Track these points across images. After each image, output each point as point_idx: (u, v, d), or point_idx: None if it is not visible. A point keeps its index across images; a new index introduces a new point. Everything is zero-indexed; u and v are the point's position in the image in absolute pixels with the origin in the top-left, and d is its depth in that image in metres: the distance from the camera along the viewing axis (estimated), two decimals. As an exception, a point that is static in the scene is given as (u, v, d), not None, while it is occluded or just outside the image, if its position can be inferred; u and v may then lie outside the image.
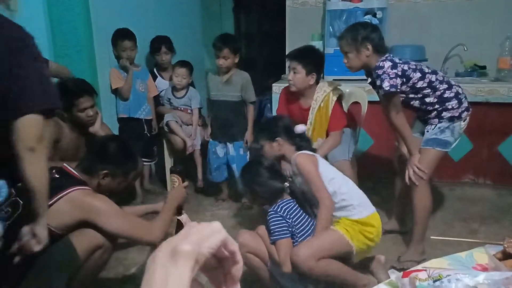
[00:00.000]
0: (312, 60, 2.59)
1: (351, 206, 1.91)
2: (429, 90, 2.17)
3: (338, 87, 2.69)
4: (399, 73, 2.12)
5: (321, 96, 2.62)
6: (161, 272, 0.47)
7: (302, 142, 2.11)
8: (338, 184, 1.95)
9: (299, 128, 2.13)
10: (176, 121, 3.28)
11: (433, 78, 2.18)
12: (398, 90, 2.12)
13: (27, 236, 1.39)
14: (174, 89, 3.38)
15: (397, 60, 2.16)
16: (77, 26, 2.83)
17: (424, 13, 3.66)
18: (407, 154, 2.31)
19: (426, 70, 2.20)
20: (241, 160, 3.06)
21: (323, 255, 1.78)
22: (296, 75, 2.57)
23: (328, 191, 1.91)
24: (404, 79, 2.14)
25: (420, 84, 2.16)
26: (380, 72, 2.12)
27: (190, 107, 3.39)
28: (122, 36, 3.13)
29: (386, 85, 2.09)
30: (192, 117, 3.37)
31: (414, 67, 2.17)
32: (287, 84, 2.69)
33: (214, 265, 0.56)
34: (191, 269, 0.48)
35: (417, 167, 2.21)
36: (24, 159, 1.29)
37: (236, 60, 3.17)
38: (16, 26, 1.28)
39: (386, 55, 2.18)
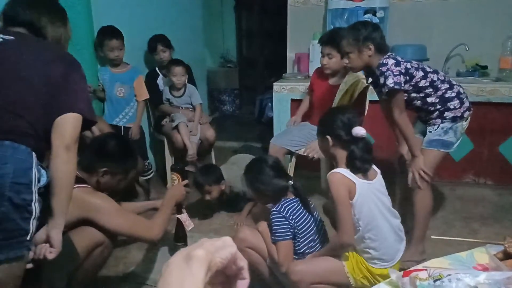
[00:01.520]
0: None
1: (370, 255, 1.74)
2: (431, 90, 2.16)
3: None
4: (403, 71, 2.11)
5: (351, 80, 2.68)
6: (176, 275, 0.48)
7: (357, 150, 1.70)
8: (366, 225, 1.69)
9: (358, 130, 1.70)
10: (187, 125, 3.25)
11: (435, 77, 2.17)
12: (402, 88, 2.11)
13: (41, 240, 1.39)
14: (171, 88, 3.37)
15: (399, 59, 2.15)
16: (78, 25, 2.82)
17: (426, 12, 3.65)
18: (407, 155, 2.30)
19: (428, 69, 2.19)
20: None
21: (317, 281, 1.76)
22: (331, 59, 2.68)
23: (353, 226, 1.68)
24: (408, 77, 2.13)
25: (422, 83, 2.15)
26: (384, 69, 2.10)
27: (191, 104, 3.39)
28: (109, 34, 2.93)
29: (390, 82, 2.07)
30: (195, 113, 3.37)
31: (416, 65, 2.16)
32: (320, 66, 2.83)
33: (222, 281, 0.57)
34: (205, 273, 0.49)
35: (423, 171, 2.18)
36: (59, 156, 1.34)
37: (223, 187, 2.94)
38: (72, 56, 1.48)
39: (389, 54, 2.17)
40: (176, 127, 3.21)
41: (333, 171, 1.71)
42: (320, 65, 2.84)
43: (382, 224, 1.74)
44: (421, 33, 3.63)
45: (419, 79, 2.14)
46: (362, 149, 1.71)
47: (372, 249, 1.73)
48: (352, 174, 1.69)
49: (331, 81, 2.80)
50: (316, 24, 3.87)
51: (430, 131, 2.23)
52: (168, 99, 3.38)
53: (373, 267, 1.75)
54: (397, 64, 2.11)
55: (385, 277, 1.67)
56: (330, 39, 2.66)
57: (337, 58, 2.63)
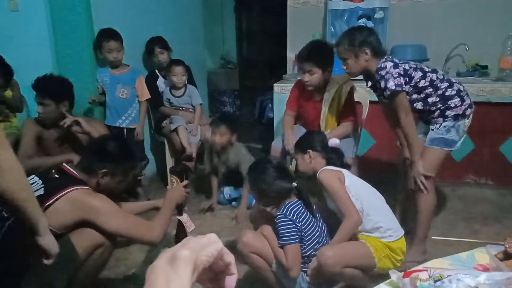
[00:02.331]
0: (325, 56, 2.58)
1: (382, 229, 1.86)
2: (431, 89, 2.16)
3: (350, 79, 2.70)
4: (402, 72, 2.12)
5: (334, 88, 2.65)
6: (162, 279, 0.47)
7: (334, 156, 2.07)
8: (366, 202, 1.88)
9: (332, 141, 2.09)
10: (186, 128, 3.25)
11: (434, 76, 2.17)
12: (404, 89, 2.11)
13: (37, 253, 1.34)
14: (172, 88, 3.37)
15: (397, 61, 2.17)
16: (79, 26, 2.83)
17: (426, 12, 3.65)
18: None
19: (426, 69, 2.19)
20: None
21: (348, 265, 1.77)
22: (313, 76, 2.58)
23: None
24: (407, 78, 2.13)
25: (422, 83, 2.16)
26: (383, 72, 2.11)
27: (191, 105, 3.39)
28: (107, 36, 2.93)
29: (391, 84, 2.08)
30: (195, 114, 3.37)
31: (414, 66, 2.17)
32: (299, 78, 2.72)
33: (210, 277, 0.56)
34: (191, 273, 0.48)
35: (424, 176, 2.18)
36: None
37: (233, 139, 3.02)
38: None
39: (386, 57, 2.18)
40: (175, 130, 3.21)
41: (319, 171, 1.97)
42: (300, 78, 2.73)
43: (377, 201, 1.94)
44: (421, 33, 3.63)
45: (418, 80, 2.15)
46: (337, 154, 2.08)
47: (380, 222, 1.86)
48: (335, 167, 1.99)
49: (316, 97, 2.72)
50: (316, 25, 3.88)
51: (432, 129, 2.23)
52: (168, 99, 3.38)
53: (389, 241, 1.85)
54: (395, 66, 2.12)
55: (401, 249, 1.89)
56: (310, 55, 2.57)
57: (318, 73, 2.56)
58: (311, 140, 2.13)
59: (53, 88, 2.39)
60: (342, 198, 1.85)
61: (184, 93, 3.37)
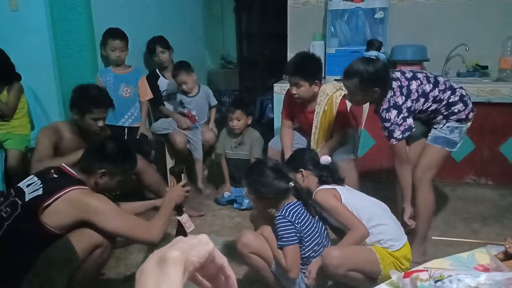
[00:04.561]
0: (312, 69, 2.55)
1: (382, 240, 1.84)
2: (436, 105, 2.16)
3: (341, 88, 2.67)
4: (406, 114, 2.10)
5: (324, 100, 2.61)
6: (152, 281, 0.46)
7: (326, 173, 2.03)
8: (364, 216, 1.85)
9: (324, 159, 2.06)
10: (168, 129, 3.27)
11: (436, 92, 2.15)
12: (413, 129, 2.12)
13: None
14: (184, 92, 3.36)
15: (400, 100, 2.10)
16: (79, 26, 2.84)
17: (426, 13, 3.65)
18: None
19: (428, 88, 2.14)
20: None
21: (354, 268, 1.77)
22: (300, 88, 2.54)
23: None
24: (413, 114, 2.14)
25: (426, 106, 2.16)
26: (388, 124, 2.11)
27: (208, 103, 3.45)
28: (113, 35, 2.99)
29: (397, 134, 2.10)
30: (211, 114, 3.46)
31: (416, 95, 2.12)
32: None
33: (200, 282, 0.56)
34: (182, 274, 0.47)
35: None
36: None
37: (249, 122, 3.21)
38: None
39: (389, 96, 2.11)
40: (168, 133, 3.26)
41: (315, 192, 1.93)
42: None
43: (376, 212, 1.90)
44: (421, 33, 3.63)
45: (421, 106, 2.15)
46: (330, 171, 2.04)
47: (382, 233, 1.84)
48: (329, 185, 1.97)
49: (308, 108, 2.68)
50: (316, 25, 3.88)
51: (435, 128, 2.23)
52: (180, 100, 3.34)
53: (392, 250, 1.84)
54: (399, 112, 2.10)
55: (405, 257, 1.88)
56: (296, 69, 2.52)
57: (306, 86, 2.52)
58: (302, 158, 2.10)
59: None
60: (344, 214, 1.84)
61: (197, 93, 3.35)
